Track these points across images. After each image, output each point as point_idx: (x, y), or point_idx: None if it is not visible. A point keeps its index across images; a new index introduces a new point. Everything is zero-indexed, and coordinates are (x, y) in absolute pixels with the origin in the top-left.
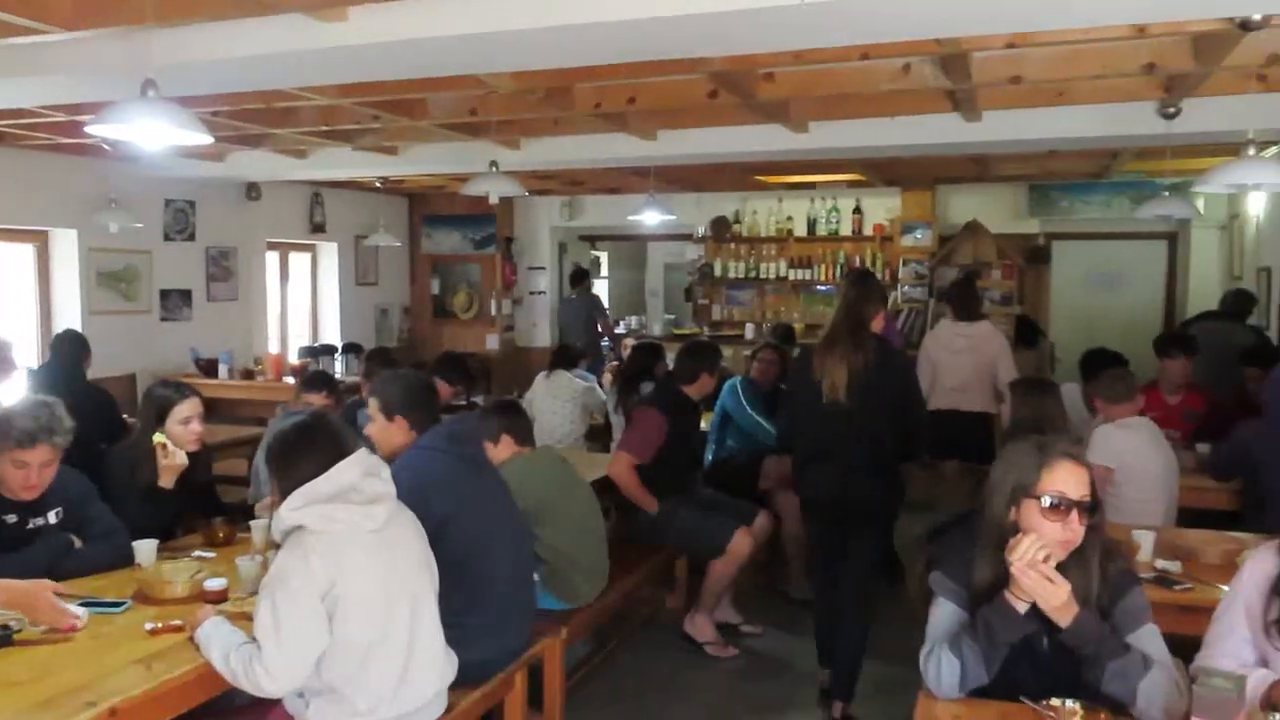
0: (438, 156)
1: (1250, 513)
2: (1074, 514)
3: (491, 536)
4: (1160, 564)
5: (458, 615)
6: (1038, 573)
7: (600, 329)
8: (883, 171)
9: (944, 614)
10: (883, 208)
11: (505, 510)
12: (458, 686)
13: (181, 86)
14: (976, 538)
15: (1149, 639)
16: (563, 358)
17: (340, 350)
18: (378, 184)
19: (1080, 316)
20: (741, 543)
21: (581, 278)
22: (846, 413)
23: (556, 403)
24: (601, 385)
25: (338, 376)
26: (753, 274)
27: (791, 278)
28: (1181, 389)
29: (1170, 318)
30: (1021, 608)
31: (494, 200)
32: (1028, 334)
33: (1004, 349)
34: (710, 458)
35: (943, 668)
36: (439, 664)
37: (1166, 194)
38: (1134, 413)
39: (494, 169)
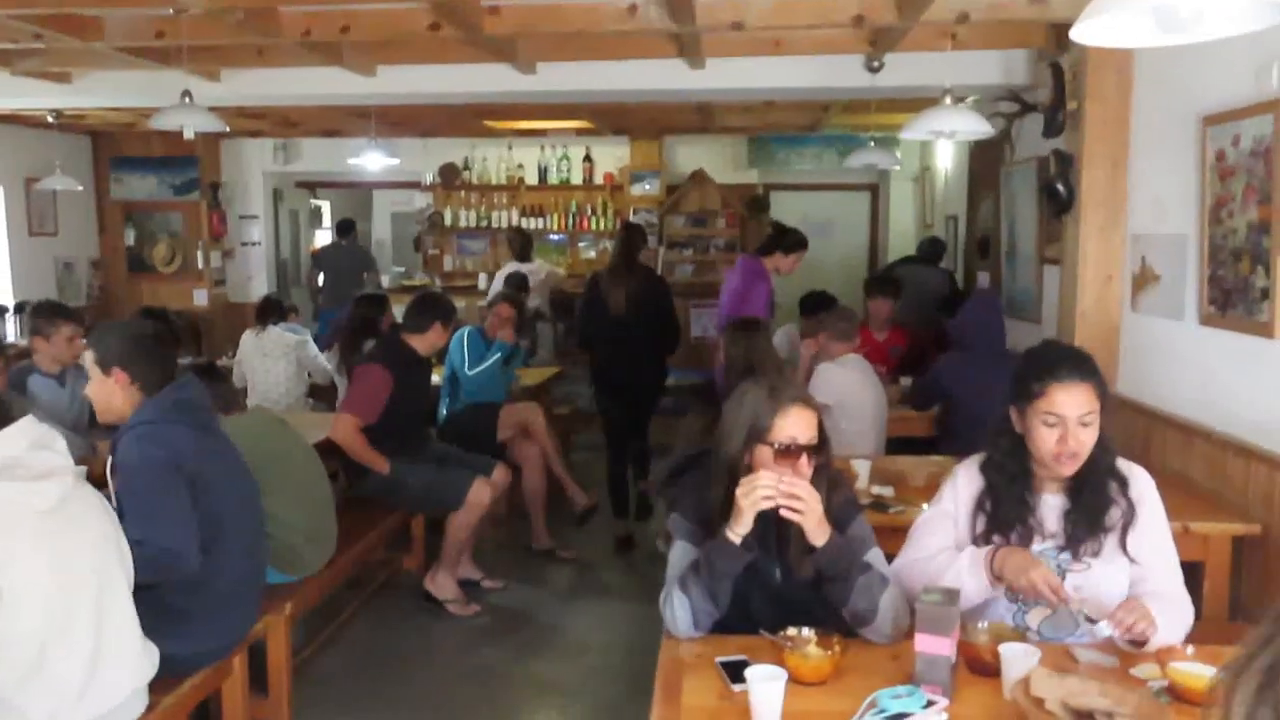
0: (120, 86)
1: (945, 438)
2: (803, 457)
3: (228, 512)
4: (875, 490)
5: (187, 598)
6: (791, 495)
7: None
8: (612, 120)
9: (679, 555)
10: (612, 157)
11: (241, 480)
12: (172, 677)
13: None
14: (711, 477)
15: (876, 561)
16: (270, 311)
17: (12, 310)
18: (51, 118)
19: None
20: (480, 492)
21: (350, 228)
22: (626, 322)
23: (269, 360)
24: None
25: (8, 339)
26: (484, 223)
27: (524, 226)
28: (887, 327)
29: (874, 262)
30: (735, 539)
31: (189, 135)
32: None
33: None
34: (444, 412)
35: (675, 607)
36: (134, 658)
37: (872, 144)
38: (851, 351)
39: (187, 100)
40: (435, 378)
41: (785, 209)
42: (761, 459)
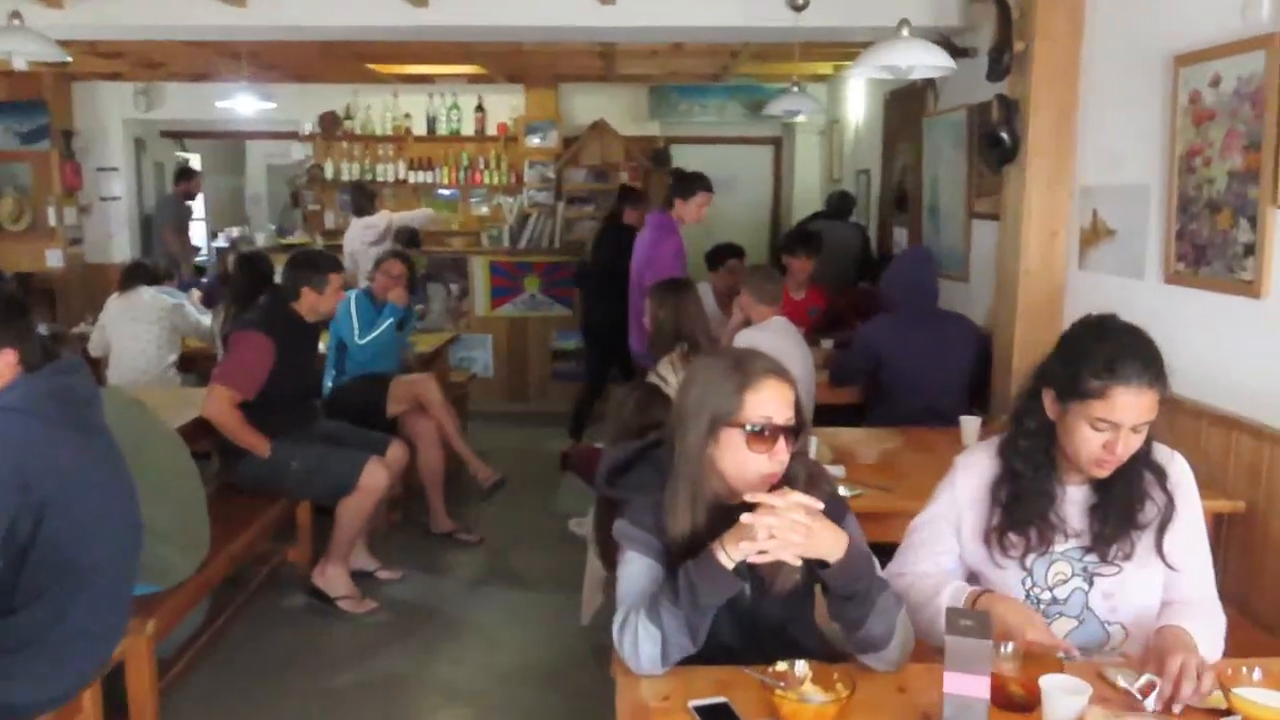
0: None
1: (876, 405)
2: (781, 440)
3: (97, 529)
4: (826, 470)
5: (39, 631)
6: (792, 519)
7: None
8: (506, 65)
9: (636, 572)
10: (506, 106)
11: (120, 490)
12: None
13: None
14: (667, 475)
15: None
16: (140, 272)
17: None
18: None
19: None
20: (375, 475)
21: (188, 175)
22: (598, 272)
23: (138, 326)
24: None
25: None
26: (368, 176)
27: (412, 180)
28: (806, 286)
29: (778, 219)
30: (729, 563)
31: (19, 65)
32: None
33: None
34: (330, 385)
35: (640, 640)
36: None
37: (795, 90)
38: (775, 313)
39: (16, 23)
40: (322, 345)
41: (686, 163)
42: (730, 446)
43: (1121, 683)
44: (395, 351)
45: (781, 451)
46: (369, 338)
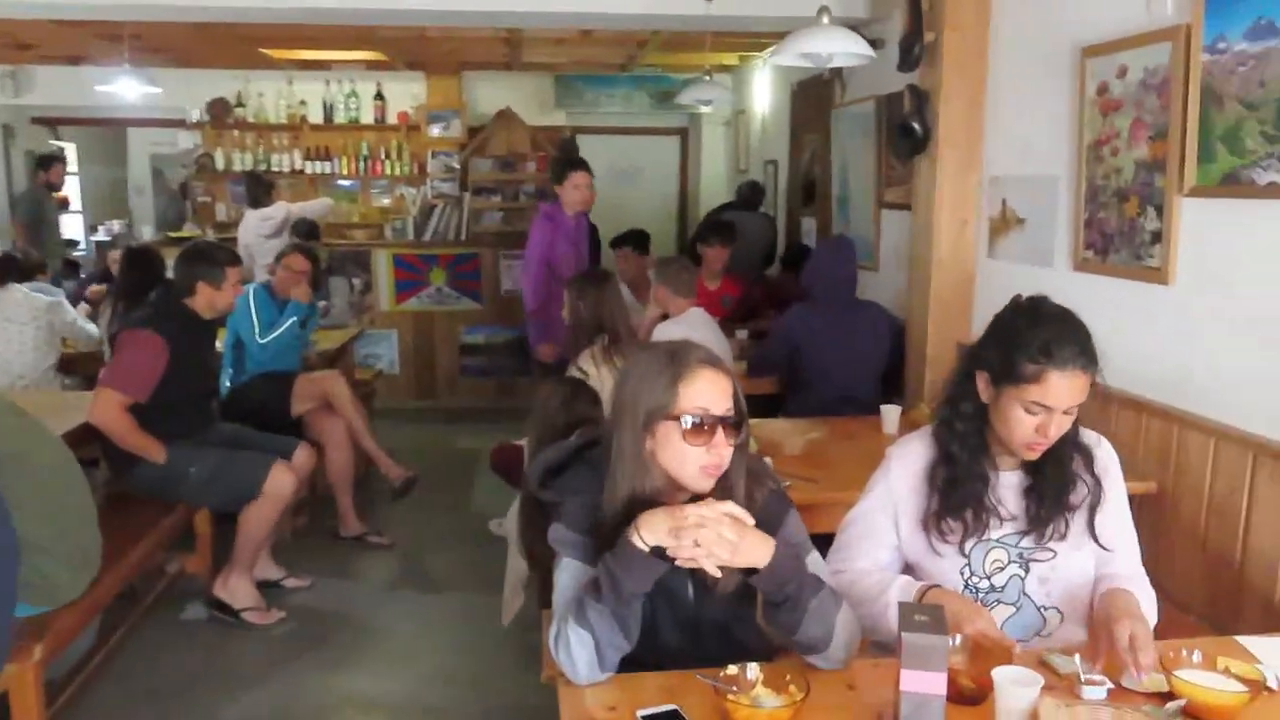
0: None
1: (794, 395)
2: (719, 432)
3: None
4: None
5: None
6: (716, 524)
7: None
8: (406, 51)
9: (569, 578)
10: (407, 94)
11: None
12: None
13: None
14: (604, 476)
15: (816, 568)
16: (11, 268)
17: None
18: None
19: (607, 208)
20: (281, 479)
21: (47, 164)
22: None
23: (11, 327)
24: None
25: None
26: (262, 166)
27: (309, 170)
28: (720, 276)
29: (685, 210)
30: (644, 546)
31: None
32: None
33: None
34: (228, 385)
35: (572, 645)
36: None
37: (708, 79)
38: (691, 305)
39: None
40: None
41: (592, 154)
42: (667, 440)
43: (1062, 668)
44: (297, 350)
45: (720, 444)
46: (270, 337)
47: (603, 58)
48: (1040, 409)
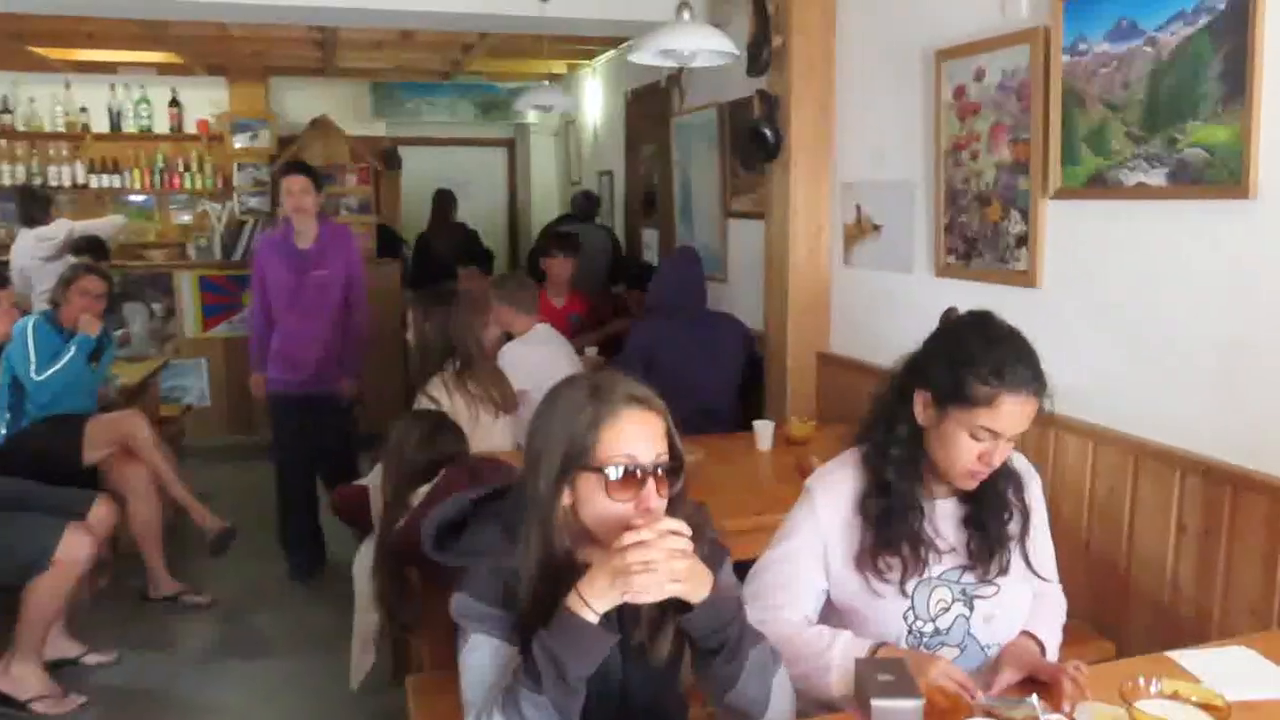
0: None
1: None
2: (650, 483)
3: None
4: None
5: None
6: (669, 547)
7: None
8: (204, 54)
9: (484, 658)
10: (207, 101)
11: None
12: None
13: None
14: (515, 532)
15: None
16: None
17: None
18: None
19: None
20: (76, 545)
21: None
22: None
23: None
24: None
25: None
26: (37, 180)
27: (95, 184)
28: (566, 291)
29: (515, 223)
30: (594, 615)
31: None
32: (391, 243)
33: None
34: (4, 433)
35: None
36: None
37: (548, 84)
38: (535, 323)
39: None
40: None
41: (417, 166)
42: (588, 494)
43: (1019, 714)
44: (89, 387)
45: (650, 497)
46: (49, 372)
47: (424, 63)
48: (988, 434)
